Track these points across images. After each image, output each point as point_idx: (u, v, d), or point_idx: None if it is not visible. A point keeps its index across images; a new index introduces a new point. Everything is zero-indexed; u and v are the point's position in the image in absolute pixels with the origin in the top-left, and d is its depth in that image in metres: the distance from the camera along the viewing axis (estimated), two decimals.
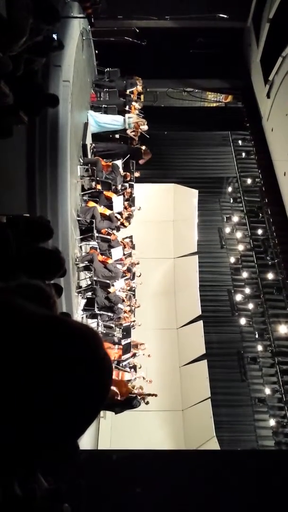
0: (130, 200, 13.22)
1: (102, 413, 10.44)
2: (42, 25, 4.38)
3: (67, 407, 0.86)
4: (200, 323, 13.67)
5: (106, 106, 13.27)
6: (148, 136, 13.54)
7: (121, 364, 11.38)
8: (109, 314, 11.19)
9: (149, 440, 11.86)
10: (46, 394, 0.84)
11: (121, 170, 12.47)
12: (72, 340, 0.91)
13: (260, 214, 15.42)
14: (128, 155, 13.06)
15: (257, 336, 13.92)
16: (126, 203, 12.79)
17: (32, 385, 0.83)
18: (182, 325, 14.35)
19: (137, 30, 13.03)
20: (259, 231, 15.18)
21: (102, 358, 0.93)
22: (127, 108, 13.46)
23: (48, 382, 0.84)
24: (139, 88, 14.16)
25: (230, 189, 16.21)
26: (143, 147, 13.42)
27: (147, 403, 11.19)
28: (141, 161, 13.53)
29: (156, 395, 11.33)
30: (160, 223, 15.68)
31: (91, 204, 11.38)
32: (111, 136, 13.79)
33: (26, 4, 3.94)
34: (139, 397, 10.95)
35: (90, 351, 0.92)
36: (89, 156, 12.09)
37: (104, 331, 11.91)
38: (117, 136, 13.68)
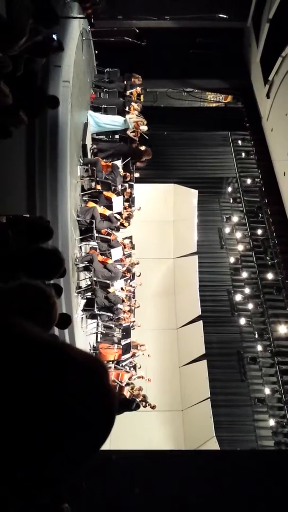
0: (130, 201, 13.22)
1: None
2: (41, 28, 4.38)
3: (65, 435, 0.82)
4: (200, 323, 13.66)
5: (105, 106, 13.27)
6: (147, 137, 13.53)
7: (120, 364, 11.39)
8: (109, 314, 11.19)
9: (149, 440, 11.85)
10: (41, 416, 0.80)
11: (120, 170, 12.47)
12: (73, 368, 0.87)
13: (260, 214, 15.41)
14: (129, 157, 13.06)
15: (256, 336, 13.92)
16: (126, 203, 12.79)
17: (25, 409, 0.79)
18: (182, 325, 14.34)
19: (137, 31, 13.04)
20: (259, 231, 15.18)
21: (104, 391, 0.89)
22: (126, 108, 13.45)
23: (45, 406, 0.80)
24: (139, 89, 14.16)
25: (230, 189, 16.20)
26: (143, 147, 13.42)
27: (145, 406, 11.20)
28: (141, 162, 13.52)
29: (155, 407, 11.36)
30: (160, 223, 15.68)
31: (91, 204, 11.38)
32: (110, 136, 13.79)
33: (26, 4, 3.94)
34: (137, 400, 10.95)
35: (91, 382, 0.88)
36: (89, 156, 12.09)
37: (104, 331, 11.92)
38: (117, 136, 13.68)
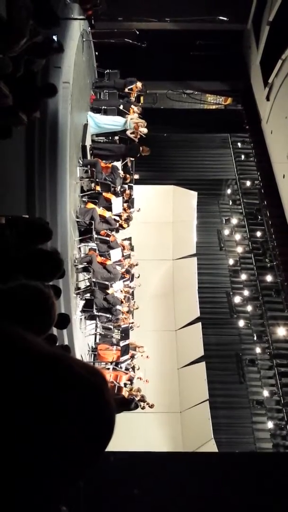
0: (129, 202, 13.22)
1: None
2: (41, 29, 4.38)
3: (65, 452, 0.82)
4: (199, 325, 13.66)
5: (105, 107, 13.27)
6: (145, 136, 13.48)
7: (119, 366, 11.38)
8: (108, 315, 11.18)
9: (147, 441, 11.85)
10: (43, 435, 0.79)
11: (120, 171, 12.47)
12: (73, 380, 0.85)
13: (259, 216, 15.43)
14: (127, 156, 13.04)
15: (255, 338, 13.92)
16: (125, 204, 12.78)
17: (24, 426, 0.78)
18: (181, 327, 14.34)
19: (137, 32, 13.04)
20: (258, 233, 15.19)
21: (102, 409, 0.88)
22: (126, 109, 13.44)
23: (45, 423, 0.79)
24: (139, 85, 14.10)
25: (229, 191, 16.22)
26: (142, 147, 13.40)
27: (143, 407, 11.19)
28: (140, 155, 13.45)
29: (153, 406, 11.34)
30: (159, 225, 15.68)
31: (90, 205, 11.37)
32: (110, 137, 13.79)
33: (26, 5, 3.94)
34: (136, 400, 10.95)
35: (92, 395, 0.86)
36: (89, 157, 12.09)
37: (103, 333, 11.91)
38: (116, 137, 13.67)
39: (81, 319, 10.81)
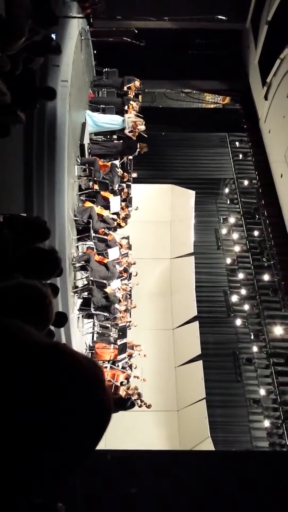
0: (127, 201, 13.22)
1: None
2: (39, 28, 4.39)
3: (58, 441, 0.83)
4: (196, 323, 13.68)
5: (104, 106, 13.26)
6: (146, 136, 13.49)
7: (116, 364, 11.39)
8: (105, 314, 11.19)
9: (144, 440, 11.86)
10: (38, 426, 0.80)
11: (118, 170, 12.47)
12: (72, 375, 0.86)
13: (257, 216, 15.45)
14: (125, 154, 13.02)
15: (252, 337, 13.95)
16: (123, 203, 12.78)
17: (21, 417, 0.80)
18: (178, 326, 14.36)
19: (136, 31, 13.02)
20: (256, 233, 15.22)
21: (101, 398, 0.89)
22: (125, 107, 13.44)
23: (43, 416, 0.81)
24: (137, 83, 14.08)
25: (227, 190, 16.23)
26: (139, 145, 13.38)
27: (140, 406, 11.21)
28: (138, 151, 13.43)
29: (150, 406, 11.36)
30: (157, 224, 15.69)
31: (88, 204, 11.37)
32: (108, 136, 13.78)
33: (26, 4, 3.95)
34: (133, 398, 10.97)
35: (90, 390, 0.88)
36: (87, 156, 12.09)
37: (100, 331, 11.92)
38: (114, 136, 13.67)
39: (78, 317, 10.82)
